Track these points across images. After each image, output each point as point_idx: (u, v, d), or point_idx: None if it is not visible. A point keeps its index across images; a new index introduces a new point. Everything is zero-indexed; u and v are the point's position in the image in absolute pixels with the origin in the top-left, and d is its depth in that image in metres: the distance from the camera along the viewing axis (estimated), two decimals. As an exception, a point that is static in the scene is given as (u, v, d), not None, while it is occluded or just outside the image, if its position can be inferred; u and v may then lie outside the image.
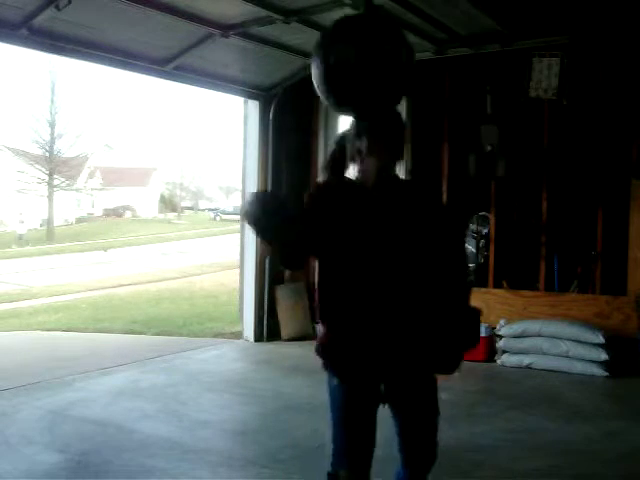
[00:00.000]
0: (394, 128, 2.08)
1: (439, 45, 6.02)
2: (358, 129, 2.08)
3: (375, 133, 2.04)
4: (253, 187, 6.92)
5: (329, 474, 2.09)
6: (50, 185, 34.86)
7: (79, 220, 40.23)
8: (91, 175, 43.76)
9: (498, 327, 5.83)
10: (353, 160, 2.09)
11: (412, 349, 2.02)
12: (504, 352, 5.74)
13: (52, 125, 34.41)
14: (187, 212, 50.29)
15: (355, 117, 2.10)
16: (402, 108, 2.18)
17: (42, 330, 9.13)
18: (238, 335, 7.09)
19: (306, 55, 6.39)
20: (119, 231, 31.89)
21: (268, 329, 6.86)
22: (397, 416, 2.13)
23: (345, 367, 2.05)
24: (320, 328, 2.09)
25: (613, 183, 5.80)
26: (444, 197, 6.05)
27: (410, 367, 2.05)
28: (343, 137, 2.13)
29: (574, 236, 5.99)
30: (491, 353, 5.87)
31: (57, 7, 4.52)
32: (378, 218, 2.02)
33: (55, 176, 34.75)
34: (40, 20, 4.68)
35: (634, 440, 3.90)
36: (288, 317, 6.89)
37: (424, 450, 2.15)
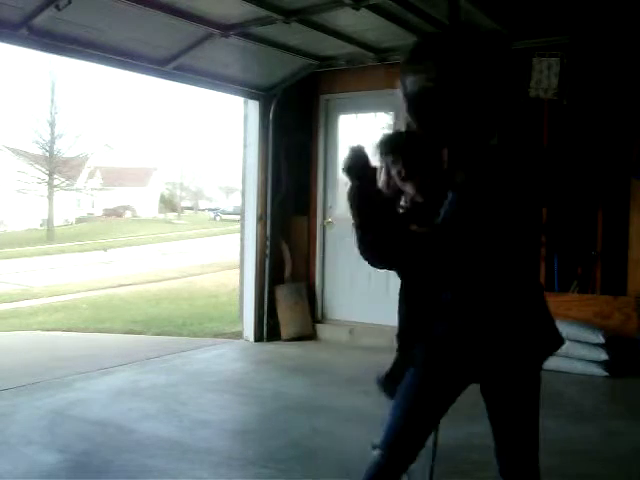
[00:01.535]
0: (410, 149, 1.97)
1: (439, 45, 6.01)
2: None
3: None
4: (253, 187, 6.93)
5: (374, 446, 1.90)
6: (50, 185, 34.90)
7: (79, 220, 40.27)
8: (91, 175, 43.82)
9: (498, 327, 5.82)
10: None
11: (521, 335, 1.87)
12: (504, 352, 5.73)
13: (52, 125, 34.47)
14: (187, 212, 50.33)
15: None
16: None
17: (42, 330, 9.13)
18: (238, 335, 7.09)
19: (306, 55, 6.41)
20: (119, 231, 31.90)
21: (268, 329, 6.86)
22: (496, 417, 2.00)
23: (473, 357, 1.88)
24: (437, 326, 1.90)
25: (613, 183, 5.80)
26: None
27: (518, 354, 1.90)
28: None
29: (574, 236, 5.99)
30: (491, 353, 5.85)
31: (57, 7, 4.51)
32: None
33: (55, 176, 34.81)
34: (40, 20, 4.68)
35: (634, 440, 3.90)
36: (288, 317, 6.89)
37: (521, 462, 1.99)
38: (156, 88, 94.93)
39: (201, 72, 6.19)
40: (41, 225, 35.57)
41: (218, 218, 41.53)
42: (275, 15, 5.10)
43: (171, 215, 46.03)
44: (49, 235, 31.53)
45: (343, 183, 7.27)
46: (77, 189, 40.90)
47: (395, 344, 2.18)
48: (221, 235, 28.63)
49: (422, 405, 1.90)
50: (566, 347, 5.81)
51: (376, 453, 1.88)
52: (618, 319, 5.63)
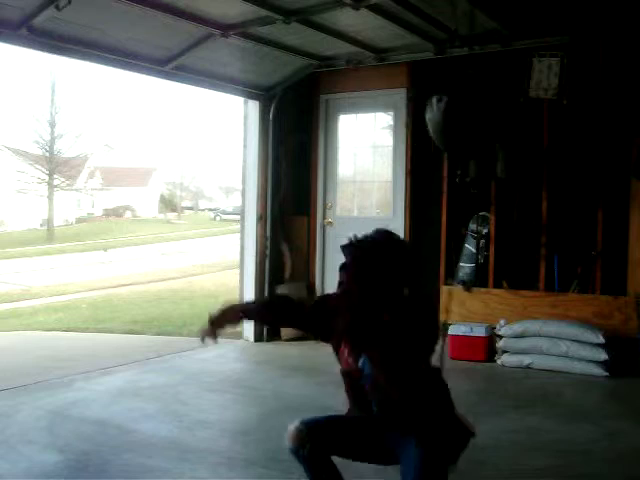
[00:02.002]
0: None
1: (439, 45, 6.02)
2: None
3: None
4: (253, 187, 6.93)
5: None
6: (50, 185, 34.89)
7: (79, 220, 40.26)
8: (91, 175, 43.83)
9: (498, 327, 5.83)
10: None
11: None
12: (504, 352, 5.74)
13: (52, 125, 34.46)
14: (187, 212, 50.32)
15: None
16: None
17: (42, 330, 9.12)
18: (238, 335, 7.08)
19: (306, 55, 6.41)
20: (119, 231, 31.89)
21: (268, 329, 6.86)
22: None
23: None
24: None
25: (613, 183, 5.80)
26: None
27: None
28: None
29: (574, 236, 5.99)
30: (491, 353, 5.86)
31: (57, 7, 4.52)
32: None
33: (55, 176, 34.80)
34: (40, 20, 4.68)
35: (634, 440, 3.90)
36: (288, 317, 6.88)
37: None
38: (156, 88, 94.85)
39: (201, 72, 6.19)
40: (41, 225, 35.56)
41: (218, 218, 41.53)
42: (275, 15, 5.10)
43: (171, 215, 46.00)
44: (49, 235, 31.52)
45: (343, 185, 7.30)
46: (77, 189, 40.91)
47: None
48: (221, 235, 28.65)
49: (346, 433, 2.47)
50: (566, 347, 5.83)
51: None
52: (618, 319, 5.64)
